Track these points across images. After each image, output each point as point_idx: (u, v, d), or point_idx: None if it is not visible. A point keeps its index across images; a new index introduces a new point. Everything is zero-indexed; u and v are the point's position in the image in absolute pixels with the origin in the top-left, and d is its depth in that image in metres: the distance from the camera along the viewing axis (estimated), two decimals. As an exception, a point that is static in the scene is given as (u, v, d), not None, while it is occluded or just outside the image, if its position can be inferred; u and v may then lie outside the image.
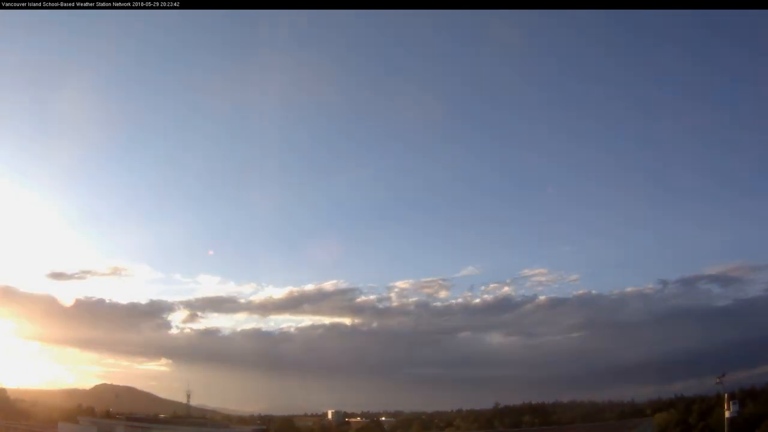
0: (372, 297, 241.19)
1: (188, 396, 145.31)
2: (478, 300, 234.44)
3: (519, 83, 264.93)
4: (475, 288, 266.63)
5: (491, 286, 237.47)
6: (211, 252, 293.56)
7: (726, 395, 69.92)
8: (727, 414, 67.90)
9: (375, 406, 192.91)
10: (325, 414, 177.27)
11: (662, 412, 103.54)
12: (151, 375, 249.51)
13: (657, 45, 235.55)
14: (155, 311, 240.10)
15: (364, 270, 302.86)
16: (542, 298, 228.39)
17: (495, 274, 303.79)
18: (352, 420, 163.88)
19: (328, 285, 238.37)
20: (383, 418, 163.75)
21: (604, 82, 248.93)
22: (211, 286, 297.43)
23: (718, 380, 72.79)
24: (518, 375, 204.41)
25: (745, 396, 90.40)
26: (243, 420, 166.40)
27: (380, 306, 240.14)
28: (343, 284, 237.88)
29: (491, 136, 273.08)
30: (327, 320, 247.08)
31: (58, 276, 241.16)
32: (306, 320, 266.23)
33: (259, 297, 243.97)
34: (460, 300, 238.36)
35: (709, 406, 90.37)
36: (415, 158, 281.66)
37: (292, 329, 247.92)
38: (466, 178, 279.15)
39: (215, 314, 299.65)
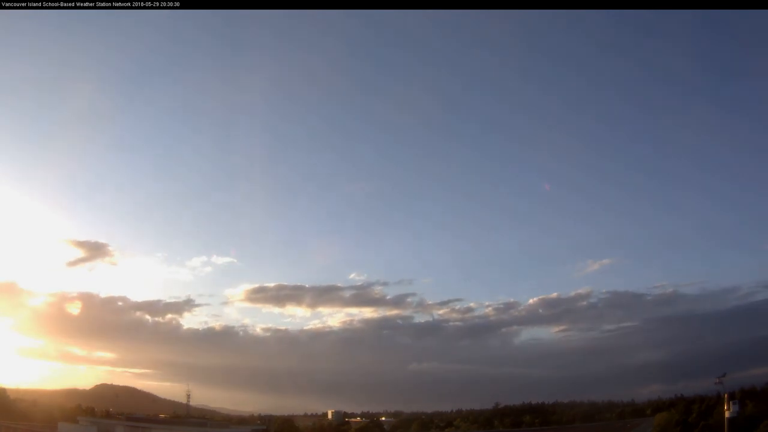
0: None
1: (188, 396, 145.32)
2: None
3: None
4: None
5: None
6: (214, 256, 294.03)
7: (726, 395, 69.87)
8: (727, 414, 67.90)
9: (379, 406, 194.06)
10: (326, 414, 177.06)
11: (662, 412, 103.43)
12: (154, 375, 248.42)
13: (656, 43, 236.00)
14: (165, 309, 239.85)
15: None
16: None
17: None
18: (352, 420, 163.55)
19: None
20: (383, 418, 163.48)
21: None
22: (228, 282, 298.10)
23: (718, 380, 72.74)
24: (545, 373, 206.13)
25: (745, 396, 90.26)
26: (243, 420, 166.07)
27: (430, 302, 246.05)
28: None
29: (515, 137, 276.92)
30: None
31: (62, 272, 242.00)
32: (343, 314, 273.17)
33: (285, 290, 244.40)
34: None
35: (709, 406, 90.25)
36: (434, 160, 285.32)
37: (322, 325, 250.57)
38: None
39: (233, 311, 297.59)
